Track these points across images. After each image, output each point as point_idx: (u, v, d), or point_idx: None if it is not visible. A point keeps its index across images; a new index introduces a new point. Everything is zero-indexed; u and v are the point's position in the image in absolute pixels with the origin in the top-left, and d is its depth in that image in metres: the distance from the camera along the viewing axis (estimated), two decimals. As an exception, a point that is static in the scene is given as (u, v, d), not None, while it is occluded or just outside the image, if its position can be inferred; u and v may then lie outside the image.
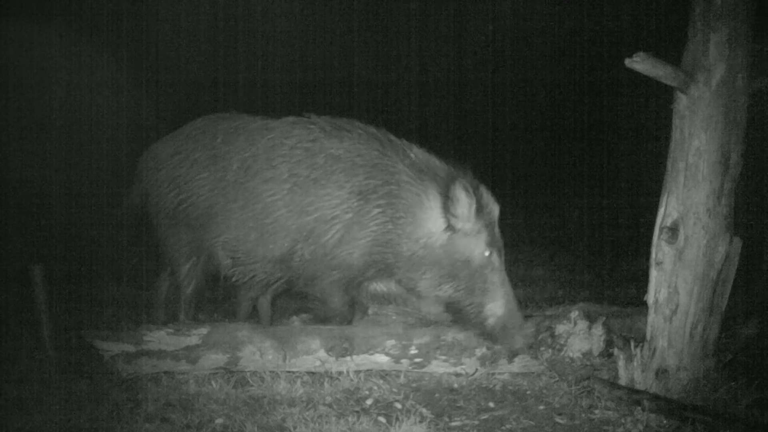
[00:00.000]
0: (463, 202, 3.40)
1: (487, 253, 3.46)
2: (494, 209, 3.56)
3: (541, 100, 11.17)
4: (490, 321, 3.45)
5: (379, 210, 3.54)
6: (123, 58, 9.31)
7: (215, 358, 3.40)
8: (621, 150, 9.31)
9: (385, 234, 3.55)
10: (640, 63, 3.01)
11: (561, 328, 3.49)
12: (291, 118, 3.85)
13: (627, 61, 3.01)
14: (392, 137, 3.73)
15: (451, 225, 3.47)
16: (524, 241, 7.85)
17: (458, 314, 3.57)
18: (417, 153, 3.68)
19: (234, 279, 3.97)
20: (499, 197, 3.61)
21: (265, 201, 3.68)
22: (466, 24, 11.46)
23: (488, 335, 3.47)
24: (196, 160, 3.87)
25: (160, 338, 3.36)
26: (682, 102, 3.20)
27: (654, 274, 3.29)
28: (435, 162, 3.65)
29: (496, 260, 3.49)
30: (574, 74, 10.15)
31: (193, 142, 3.93)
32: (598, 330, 3.48)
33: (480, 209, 3.45)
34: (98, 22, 9.09)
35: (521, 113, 11.17)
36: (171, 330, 3.41)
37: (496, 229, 3.54)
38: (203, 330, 3.43)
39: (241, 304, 4.29)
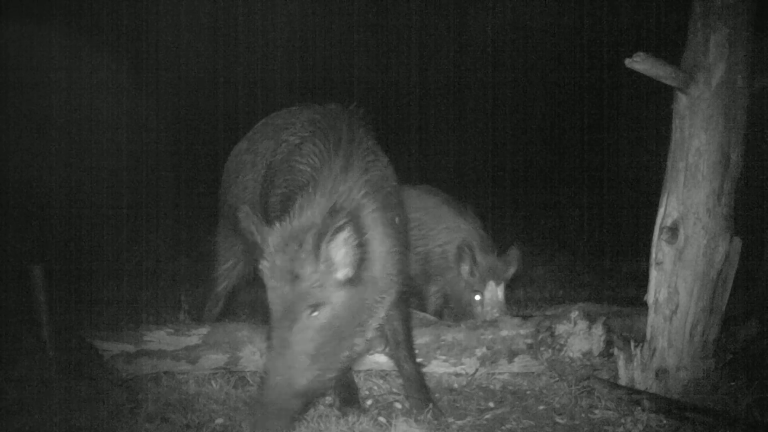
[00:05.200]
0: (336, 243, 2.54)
1: (314, 313, 2.55)
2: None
3: (541, 100, 11.17)
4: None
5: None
6: (123, 58, 9.32)
7: (215, 358, 3.40)
8: (621, 150, 9.30)
9: None
10: (640, 63, 3.00)
11: (561, 328, 3.49)
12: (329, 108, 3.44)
13: (627, 61, 3.01)
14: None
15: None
16: (524, 241, 7.83)
17: None
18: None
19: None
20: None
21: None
22: (466, 24, 11.46)
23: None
24: (244, 161, 3.77)
25: (160, 338, 3.36)
26: (682, 102, 3.20)
27: (654, 274, 3.29)
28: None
29: (316, 324, 2.55)
30: (574, 74, 10.15)
31: (249, 142, 3.82)
32: (598, 330, 3.48)
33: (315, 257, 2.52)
34: (98, 22, 9.10)
35: (521, 113, 11.17)
36: (171, 330, 3.41)
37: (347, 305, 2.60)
38: (203, 330, 3.43)
39: None
